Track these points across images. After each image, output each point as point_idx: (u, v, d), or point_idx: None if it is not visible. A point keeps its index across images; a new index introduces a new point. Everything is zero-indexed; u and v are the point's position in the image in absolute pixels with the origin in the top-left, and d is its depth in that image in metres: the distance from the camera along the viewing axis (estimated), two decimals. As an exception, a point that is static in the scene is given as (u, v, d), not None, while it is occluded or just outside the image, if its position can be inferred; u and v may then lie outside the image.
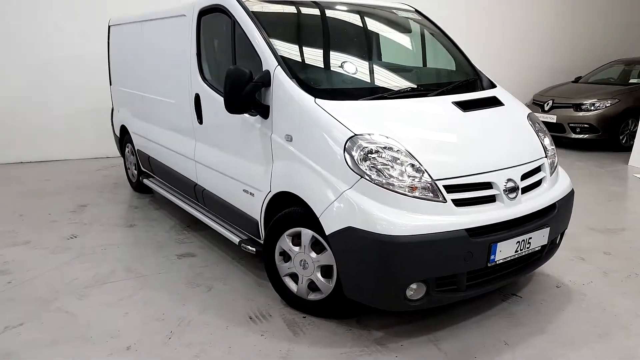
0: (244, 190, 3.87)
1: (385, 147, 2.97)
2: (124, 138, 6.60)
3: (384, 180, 2.90)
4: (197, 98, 4.30)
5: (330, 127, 3.08)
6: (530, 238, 3.19)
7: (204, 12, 4.20)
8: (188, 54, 4.40)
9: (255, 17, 3.64)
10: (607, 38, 12.30)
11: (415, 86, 3.80)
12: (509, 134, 3.54)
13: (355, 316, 3.40)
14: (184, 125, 4.68)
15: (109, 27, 6.57)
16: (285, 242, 3.45)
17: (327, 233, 3.05)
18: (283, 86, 3.34)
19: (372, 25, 4.25)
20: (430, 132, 3.24)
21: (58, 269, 4.23)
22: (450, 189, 2.97)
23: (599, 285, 3.88)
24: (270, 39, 3.51)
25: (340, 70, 3.65)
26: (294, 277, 3.50)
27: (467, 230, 2.91)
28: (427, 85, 3.89)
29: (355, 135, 3.00)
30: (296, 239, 3.41)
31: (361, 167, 2.93)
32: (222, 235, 4.27)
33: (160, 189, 5.59)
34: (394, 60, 4.24)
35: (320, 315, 3.41)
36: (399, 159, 2.95)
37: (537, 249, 3.29)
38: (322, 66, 3.69)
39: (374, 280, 2.94)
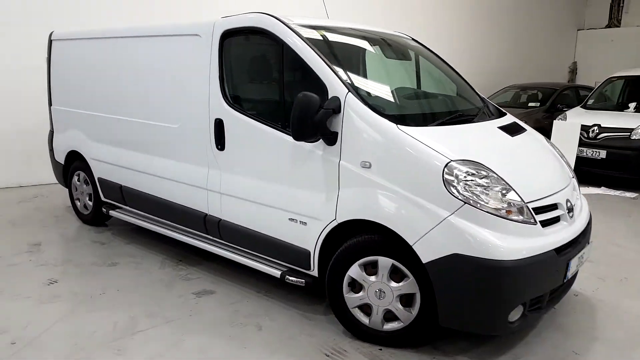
0: (290, 219, 3.67)
1: (480, 172, 3.06)
2: (70, 166, 5.84)
3: (485, 205, 2.97)
4: (219, 123, 3.99)
5: (422, 154, 3.09)
6: (584, 253, 3.48)
7: (229, 34, 3.94)
8: (203, 76, 4.08)
9: (312, 43, 3.52)
10: (499, 66, 13.81)
11: (461, 112, 3.96)
12: (549, 157, 3.84)
13: (429, 343, 3.40)
14: (192, 152, 4.32)
15: (51, 41, 5.81)
16: (357, 272, 3.35)
17: (424, 261, 3.03)
18: (357, 113, 3.27)
19: (407, 54, 4.33)
20: (502, 156, 3.40)
21: (64, 322, 3.61)
22: (536, 210, 3.14)
23: (605, 290, 4.33)
24: (333, 66, 3.43)
25: (405, 96, 3.67)
26: (365, 308, 3.40)
27: (555, 250, 3.10)
28: (466, 111, 4.07)
29: (452, 161, 3.04)
30: (370, 268, 3.33)
31: (463, 192, 2.97)
32: (229, 268, 3.99)
33: (140, 221, 5.04)
34: (428, 88, 4.37)
35: (397, 346, 3.36)
36: (493, 182, 3.05)
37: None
38: (388, 93, 3.68)
39: (480, 305, 2.99)
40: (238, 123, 3.90)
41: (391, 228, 3.16)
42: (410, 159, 3.11)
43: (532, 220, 3.08)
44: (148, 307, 3.85)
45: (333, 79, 3.36)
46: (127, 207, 5.22)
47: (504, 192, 3.06)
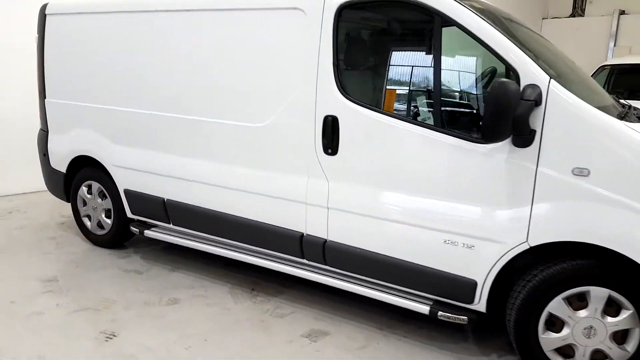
0: (447, 241, 2.93)
1: None
2: (75, 175, 4.66)
3: None
4: (333, 121, 3.14)
5: None
6: None
7: (349, 7, 3.08)
8: (307, 62, 3.20)
9: (486, 18, 2.76)
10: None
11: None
12: None
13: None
14: (284, 158, 3.43)
15: (44, 15, 4.56)
16: (559, 307, 2.69)
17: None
18: (568, 106, 2.57)
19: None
20: None
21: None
22: None
23: None
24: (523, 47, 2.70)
25: (592, 86, 3.02)
26: (566, 349, 2.74)
27: None
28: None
29: None
30: (576, 301, 2.68)
31: None
32: (317, 295, 3.33)
33: (190, 242, 4.03)
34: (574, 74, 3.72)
35: (605, 391, 2.74)
36: None
37: None
38: (581, 80, 3.01)
39: None
40: (361, 121, 3.09)
41: (622, 252, 2.51)
42: (652, 166, 2.47)
43: None
44: (262, 362, 2.96)
45: (528, 63, 2.63)
46: (170, 226, 4.17)
47: None
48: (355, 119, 3.10)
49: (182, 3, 3.69)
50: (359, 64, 3.21)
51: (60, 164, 4.71)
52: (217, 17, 3.56)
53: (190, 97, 3.77)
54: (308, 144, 3.29)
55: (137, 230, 4.30)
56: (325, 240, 3.36)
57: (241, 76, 3.52)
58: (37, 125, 4.89)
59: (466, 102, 3.07)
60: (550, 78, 2.60)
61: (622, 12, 12.82)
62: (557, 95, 2.58)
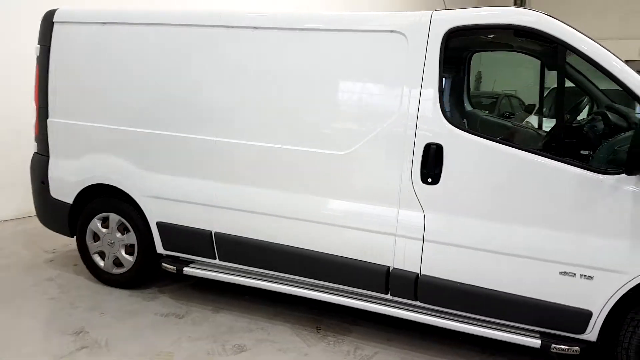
0: (563, 272, 2.90)
1: None
2: (83, 208, 4.07)
3: None
4: (436, 149, 3.01)
5: None
6: None
7: (458, 33, 2.98)
8: (405, 88, 3.05)
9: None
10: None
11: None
12: None
13: None
14: (371, 187, 3.24)
15: (51, 23, 3.97)
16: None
17: None
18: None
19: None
20: None
21: None
22: None
23: None
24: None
25: None
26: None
27: None
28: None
29: None
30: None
31: None
32: (387, 332, 3.15)
33: (246, 279, 3.64)
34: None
35: None
36: None
37: None
38: None
39: None
40: (471, 149, 2.99)
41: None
42: None
43: None
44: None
45: (655, 92, 2.69)
46: (215, 261, 3.75)
47: None
48: (464, 147, 2.99)
49: (261, 20, 3.37)
50: (465, 90, 3.11)
51: (66, 194, 4.08)
52: (300, 37, 3.30)
53: (258, 122, 3.44)
54: (402, 173, 3.12)
55: (173, 267, 3.81)
56: (418, 275, 3.19)
57: (326, 100, 3.28)
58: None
59: (584, 130, 3.08)
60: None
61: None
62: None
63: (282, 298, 3.88)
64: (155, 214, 3.81)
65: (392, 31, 3.09)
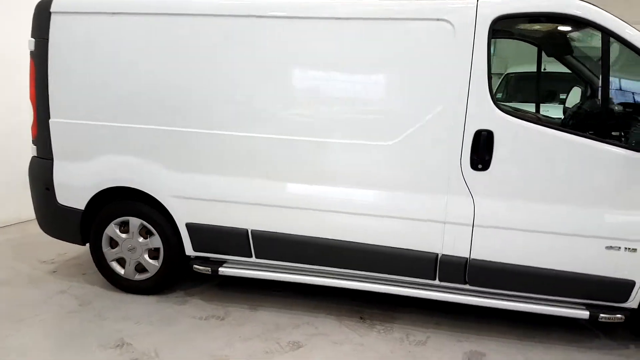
0: (609, 247, 3.09)
1: None
2: (97, 214, 3.81)
3: None
4: (486, 136, 3.08)
5: None
6: None
7: (504, 18, 3.03)
8: (454, 75, 3.08)
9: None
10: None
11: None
12: None
13: None
14: (418, 176, 3.27)
15: (49, 13, 3.63)
16: None
17: None
18: None
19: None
20: None
21: None
22: None
23: None
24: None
25: None
26: None
27: None
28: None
29: None
30: None
31: None
32: (433, 316, 3.33)
33: (286, 275, 3.59)
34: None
35: None
36: None
37: None
38: None
39: None
40: (521, 134, 3.08)
41: None
42: None
43: None
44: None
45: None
46: (250, 259, 3.66)
47: None
48: (515, 132, 3.07)
49: (294, 8, 3.24)
50: (513, 77, 3.17)
51: (76, 200, 3.80)
52: (340, 26, 3.20)
53: (297, 115, 3.35)
54: (451, 160, 3.16)
55: (207, 269, 3.67)
56: (467, 259, 3.27)
57: (370, 91, 3.25)
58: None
59: (630, 112, 3.23)
60: None
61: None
62: None
63: (314, 290, 3.86)
64: (184, 215, 3.64)
65: (438, 19, 3.08)
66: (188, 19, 3.40)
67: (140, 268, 3.84)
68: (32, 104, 3.79)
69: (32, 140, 3.89)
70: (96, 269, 3.98)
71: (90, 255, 3.91)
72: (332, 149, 3.35)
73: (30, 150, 3.93)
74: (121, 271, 3.87)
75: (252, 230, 3.55)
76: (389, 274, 3.46)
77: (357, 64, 3.24)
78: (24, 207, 5.25)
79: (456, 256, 3.29)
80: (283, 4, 3.30)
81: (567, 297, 3.26)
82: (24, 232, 5.22)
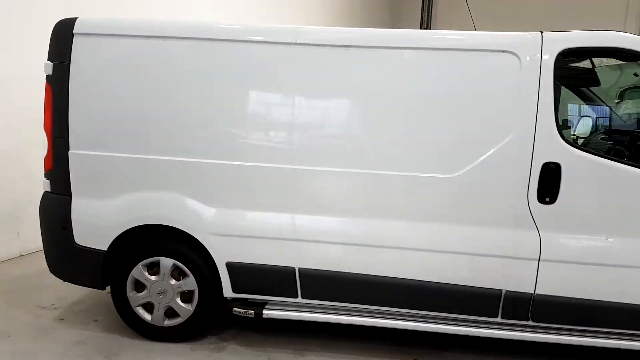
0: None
1: None
2: (121, 255, 3.45)
3: None
4: (554, 169, 3.02)
5: None
6: None
7: (569, 54, 3.00)
8: (520, 107, 3.01)
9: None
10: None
11: None
12: None
13: None
14: (482, 210, 3.15)
15: (72, 35, 3.29)
16: None
17: None
18: None
19: None
20: None
21: None
22: None
23: None
24: None
25: None
26: None
27: None
28: None
29: None
30: None
31: None
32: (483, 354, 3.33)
33: (339, 316, 3.35)
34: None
35: None
36: None
37: None
38: None
39: None
40: (587, 168, 3.04)
41: None
42: None
43: None
44: None
45: None
46: (295, 300, 3.40)
47: None
48: (582, 165, 3.02)
49: (362, 39, 3.08)
50: (580, 110, 3.13)
51: (98, 240, 3.42)
52: (404, 56, 3.07)
53: (352, 146, 3.16)
54: (518, 193, 3.07)
55: (250, 311, 3.37)
56: (532, 295, 3.17)
57: (435, 123, 3.11)
58: None
59: None
60: None
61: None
62: None
63: (357, 331, 3.64)
64: (224, 253, 3.34)
65: (503, 51, 3.01)
66: (229, 44, 3.17)
67: (171, 313, 3.49)
68: (47, 134, 3.41)
69: (45, 174, 3.49)
70: (107, 314, 3.59)
71: (96, 299, 3.54)
72: (390, 182, 3.18)
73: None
74: (148, 317, 3.51)
75: (300, 269, 3.31)
76: (448, 312, 3.30)
77: (421, 95, 3.10)
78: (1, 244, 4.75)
79: (521, 292, 3.18)
80: (333, 32, 3.16)
81: (630, 329, 3.21)
82: (7, 275, 4.61)
